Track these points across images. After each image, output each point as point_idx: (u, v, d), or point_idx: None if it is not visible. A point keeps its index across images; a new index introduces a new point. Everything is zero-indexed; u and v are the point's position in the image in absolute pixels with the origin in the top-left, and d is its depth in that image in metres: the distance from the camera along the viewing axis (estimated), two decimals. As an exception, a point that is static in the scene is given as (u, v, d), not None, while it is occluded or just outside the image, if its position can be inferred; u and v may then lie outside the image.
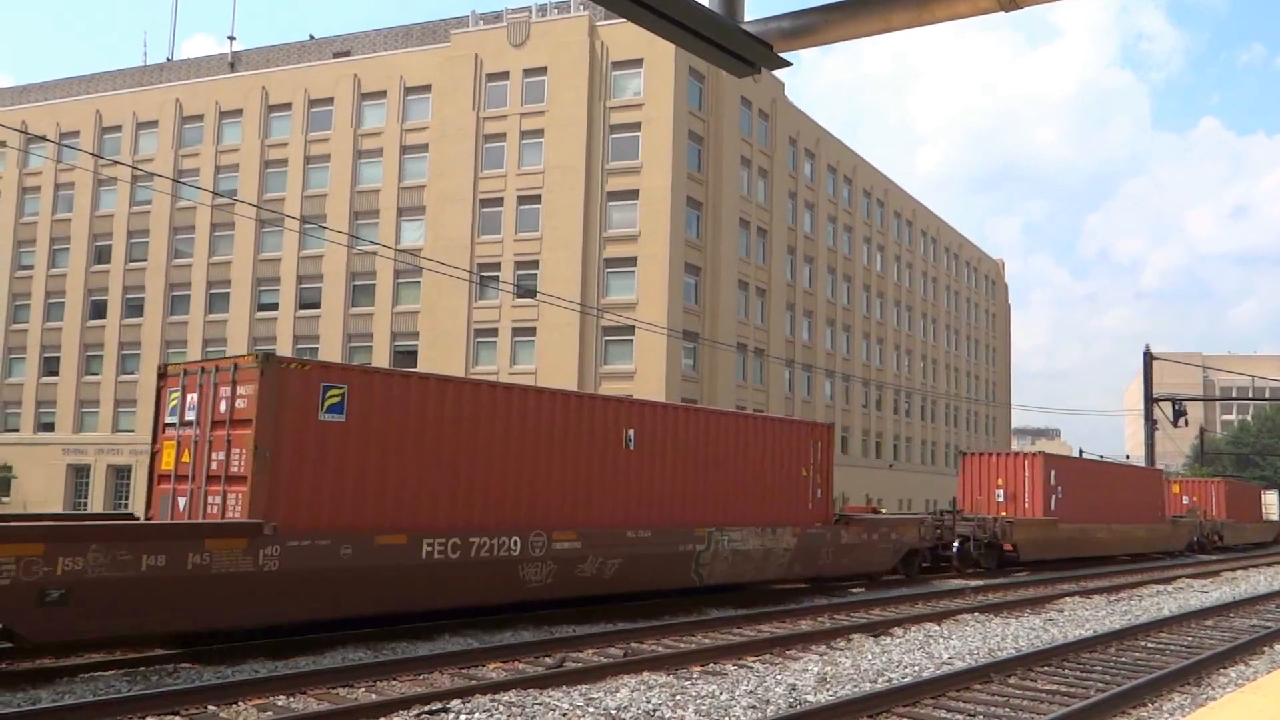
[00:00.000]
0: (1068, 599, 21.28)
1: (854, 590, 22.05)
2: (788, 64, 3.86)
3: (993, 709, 10.47)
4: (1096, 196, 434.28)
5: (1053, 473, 30.71)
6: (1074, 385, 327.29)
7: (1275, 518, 63.55)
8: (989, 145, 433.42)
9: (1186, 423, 51.68)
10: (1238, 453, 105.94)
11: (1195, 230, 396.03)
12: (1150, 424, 51.19)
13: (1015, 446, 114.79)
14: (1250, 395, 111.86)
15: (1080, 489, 32.03)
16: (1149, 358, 51.60)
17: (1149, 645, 15.08)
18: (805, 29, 3.73)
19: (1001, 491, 29.80)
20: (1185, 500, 45.85)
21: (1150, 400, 51.01)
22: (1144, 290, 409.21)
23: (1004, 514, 28.77)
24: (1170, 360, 66.32)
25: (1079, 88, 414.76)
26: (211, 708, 9.74)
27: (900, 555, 23.67)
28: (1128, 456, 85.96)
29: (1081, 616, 18.48)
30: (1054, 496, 30.35)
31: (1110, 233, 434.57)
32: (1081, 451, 48.85)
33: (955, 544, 26.63)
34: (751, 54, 3.73)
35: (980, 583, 24.22)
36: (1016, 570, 28.34)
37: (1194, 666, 12.68)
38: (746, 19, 3.79)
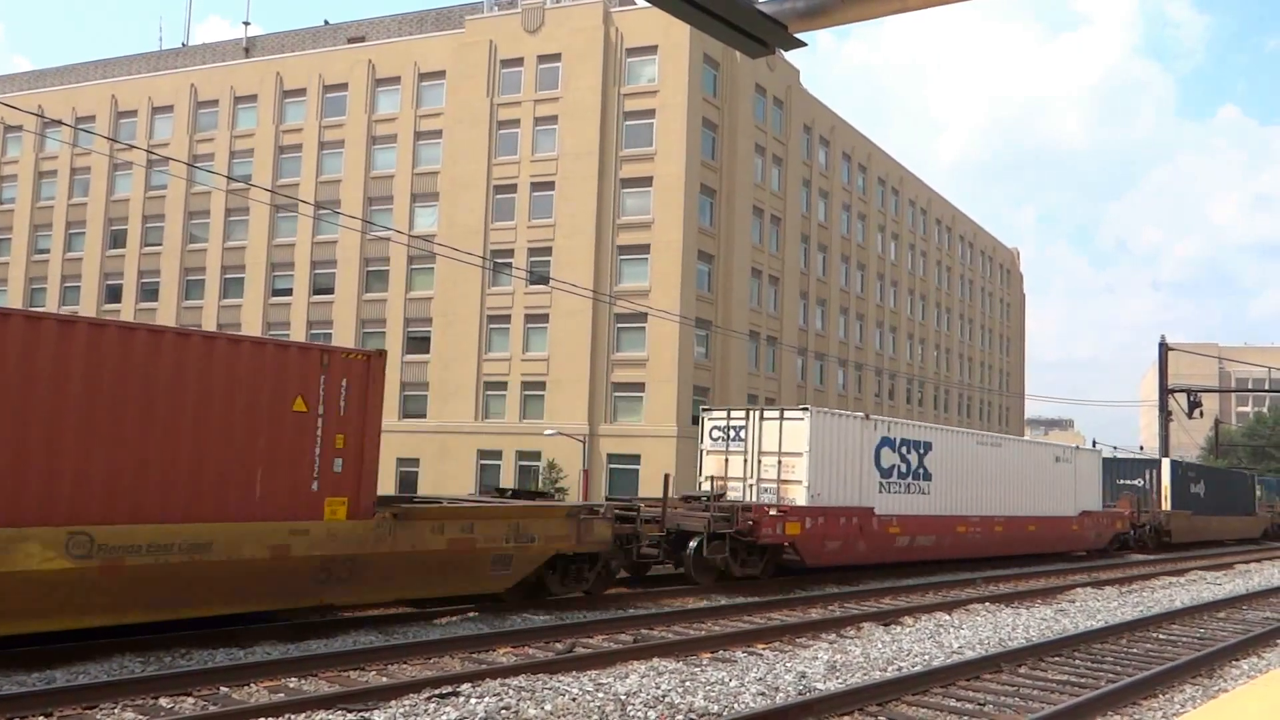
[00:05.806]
0: (1079, 589, 21.22)
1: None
2: (802, 44, 3.81)
3: (1003, 698, 10.45)
4: (1118, 185, 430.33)
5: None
6: (1090, 375, 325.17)
7: None
8: (1009, 134, 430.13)
9: (1201, 414, 51.39)
10: (1253, 445, 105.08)
11: (1217, 220, 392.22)
12: (1165, 415, 50.92)
13: (1029, 436, 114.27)
14: (1267, 387, 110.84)
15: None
16: (1164, 348, 51.29)
17: (1160, 636, 15.03)
18: (820, 8, 3.68)
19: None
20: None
21: (1165, 391, 50.74)
22: (1163, 280, 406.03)
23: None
24: (1186, 351, 65.87)
25: (1102, 75, 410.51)
26: (224, 689, 9.81)
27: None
28: (1141, 448, 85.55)
29: (1093, 608, 18.42)
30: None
31: (1130, 222, 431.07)
32: (1095, 442, 48.72)
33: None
34: (765, 34, 3.69)
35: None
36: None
37: (1206, 658, 12.63)
38: (761, -2, 3.74)
